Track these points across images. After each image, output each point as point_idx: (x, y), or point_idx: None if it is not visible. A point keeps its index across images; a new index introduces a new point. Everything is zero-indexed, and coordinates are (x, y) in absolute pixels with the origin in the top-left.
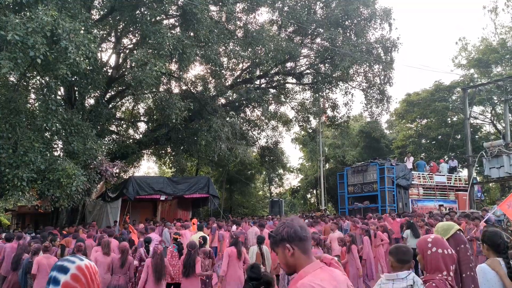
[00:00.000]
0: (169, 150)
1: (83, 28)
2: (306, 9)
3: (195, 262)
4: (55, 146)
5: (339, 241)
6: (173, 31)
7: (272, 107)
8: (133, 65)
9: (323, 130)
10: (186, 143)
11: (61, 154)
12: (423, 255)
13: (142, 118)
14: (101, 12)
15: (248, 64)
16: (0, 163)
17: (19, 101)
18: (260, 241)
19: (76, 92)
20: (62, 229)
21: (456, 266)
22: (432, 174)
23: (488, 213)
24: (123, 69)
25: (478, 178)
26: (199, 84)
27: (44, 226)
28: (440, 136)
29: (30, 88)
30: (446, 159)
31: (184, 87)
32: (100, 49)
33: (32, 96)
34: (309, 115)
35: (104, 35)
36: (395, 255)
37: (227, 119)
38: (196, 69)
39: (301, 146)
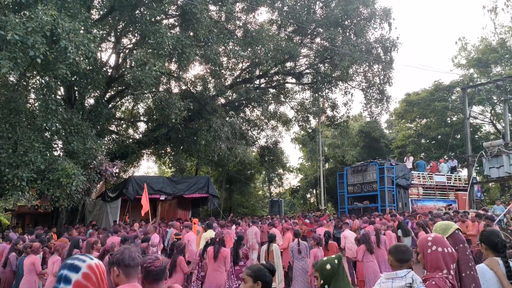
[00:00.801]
0: (168, 150)
1: (82, 28)
2: (305, 9)
3: (177, 262)
4: (55, 146)
5: (355, 241)
6: (172, 31)
7: (271, 107)
8: (132, 65)
9: (322, 130)
10: (185, 142)
11: (61, 154)
12: (423, 253)
13: (141, 118)
14: (101, 12)
15: (248, 63)
16: (0, 163)
17: (19, 101)
18: (271, 239)
19: (76, 92)
20: (50, 229)
21: (455, 266)
22: (431, 174)
23: (487, 213)
24: (123, 69)
25: (477, 178)
26: (198, 84)
27: (44, 226)
28: (439, 136)
29: (30, 88)
30: (446, 158)
31: (183, 87)
32: (99, 49)
33: (32, 96)
34: (308, 115)
35: (104, 35)
36: (394, 254)
37: (227, 119)
38: (196, 69)
39: (300, 146)
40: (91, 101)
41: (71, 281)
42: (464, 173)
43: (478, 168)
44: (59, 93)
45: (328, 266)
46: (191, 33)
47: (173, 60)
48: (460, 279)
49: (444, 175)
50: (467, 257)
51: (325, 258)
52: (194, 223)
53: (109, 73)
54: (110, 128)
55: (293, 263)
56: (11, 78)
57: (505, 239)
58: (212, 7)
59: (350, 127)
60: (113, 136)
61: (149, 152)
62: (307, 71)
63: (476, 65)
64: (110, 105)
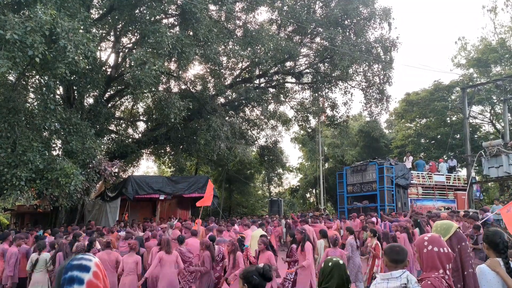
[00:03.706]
0: (168, 149)
1: (82, 27)
2: (305, 9)
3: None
4: (54, 145)
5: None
6: (172, 30)
7: (271, 107)
8: (132, 64)
9: (322, 130)
10: (185, 142)
11: (60, 153)
12: (420, 253)
13: (141, 118)
14: (100, 11)
15: (248, 63)
16: None
17: (18, 100)
18: (323, 235)
19: (75, 91)
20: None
21: (458, 264)
22: (431, 174)
23: (486, 213)
24: (122, 68)
25: (477, 178)
26: (198, 84)
27: (44, 226)
28: (439, 136)
29: (28, 87)
30: (445, 158)
31: (183, 87)
32: (99, 48)
33: (31, 95)
34: (308, 114)
35: (103, 34)
36: (389, 255)
37: (227, 118)
38: (196, 69)
39: (300, 145)
40: (90, 100)
41: (84, 281)
42: (463, 172)
43: (477, 167)
44: (58, 92)
45: (322, 265)
46: (191, 33)
47: (173, 59)
48: (463, 277)
49: (443, 174)
50: (468, 255)
51: (328, 257)
52: (196, 223)
53: (109, 73)
54: (109, 128)
55: (349, 259)
56: (10, 78)
57: (506, 239)
58: (212, 7)
59: (350, 126)
60: (112, 135)
61: (148, 152)
62: (307, 70)
63: (476, 65)
64: (109, 105)
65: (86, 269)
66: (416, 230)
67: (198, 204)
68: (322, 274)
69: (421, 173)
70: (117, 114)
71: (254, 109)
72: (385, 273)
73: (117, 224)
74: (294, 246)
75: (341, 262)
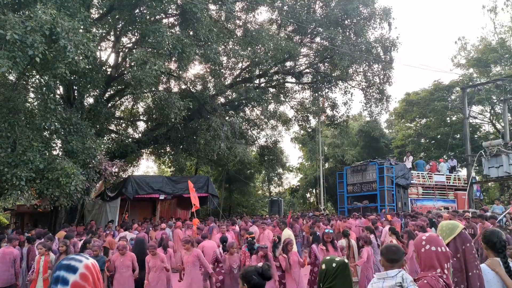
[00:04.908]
0: (168, 149)
1: (82, 27)
2: (305, 8)
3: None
4: (54, 145)
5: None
6: (172, 30)
7: (271, 106)
8: (132, 64)
9: (322, 130)
10: (185, 142)
11: (60, 153)
12: (418, 253)
13: (141, 117)
14: (100, 11)
15: (248, 63)
16: None
17: (18, 100)
18: (345, 234)
19: (75, 91)
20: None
21: (462, 265)
22: (431, 174)
23: (487, 213)
24: (123, 68)
25: (477, 178)
26: (198, 83)
27: (43, 225)
28: (439, 136)
29: (28, 87)
30: (446, 158)
31: (183, 86)
32: (99, 48)
33: (31, 95)
34: (308, 114)
35: (103, 34)
36: (385, 254)
37: (227, 118)
38: (196, 68)
39: (300, 145)
40: (91, 100)
41: (69, 282)
42: (463, 172)
43: (477, 167)
44: (58, 92)
45: (324, 266)
46: (191, 32)
47: (173, 59)
48: (467, 278)
49: (443, 174)
50: (473, 256)
51: (328, 257)
52: (194, 224)
53: (109, 72)
54: (110, 128)
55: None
56: (10, 77)
57: (504, 239)
58: (212, 6)
59: (350, 126)
60: (113, 135)
61: (148, 152)
62: (307, 70)
63: (476, 64)
64: (109, 104)
65: (73, 270)
66: (431, 230)
67: (194, 208)
68: (325, 274)
69: (421, 173)
70: (117, 114)
71: (254, 109)
72: (381, 273)
73: (110, 224)
74: (314, 246)
75: (346, 261)
